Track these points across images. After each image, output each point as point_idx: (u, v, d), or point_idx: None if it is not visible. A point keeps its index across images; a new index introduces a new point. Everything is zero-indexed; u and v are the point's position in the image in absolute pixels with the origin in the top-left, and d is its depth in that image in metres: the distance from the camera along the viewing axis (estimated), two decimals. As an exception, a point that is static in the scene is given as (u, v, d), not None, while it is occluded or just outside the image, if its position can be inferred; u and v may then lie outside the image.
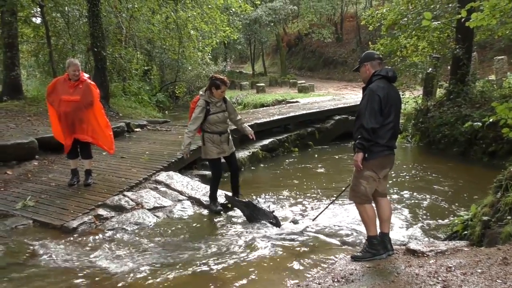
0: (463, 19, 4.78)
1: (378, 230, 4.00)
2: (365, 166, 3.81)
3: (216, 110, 5.54)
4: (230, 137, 5.81)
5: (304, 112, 12.32)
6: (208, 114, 5.52)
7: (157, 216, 5.74)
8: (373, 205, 4.01)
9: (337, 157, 10.24)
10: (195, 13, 16.07)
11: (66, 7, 15.81)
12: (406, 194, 6.96)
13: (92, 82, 6.39)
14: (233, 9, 18.81)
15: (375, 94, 3.75)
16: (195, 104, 5.66)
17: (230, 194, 6.14)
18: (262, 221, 5.47)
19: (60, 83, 6.28)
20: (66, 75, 6.24)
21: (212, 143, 5.67)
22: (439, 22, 9.50)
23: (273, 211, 5.63)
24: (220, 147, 5.69)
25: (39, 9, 15.59)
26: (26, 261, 4.48)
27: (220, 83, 5.46)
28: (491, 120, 4.26)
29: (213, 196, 6.00)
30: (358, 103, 4.08)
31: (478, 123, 4.65)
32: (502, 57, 12.92)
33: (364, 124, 3.71)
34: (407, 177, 7.96)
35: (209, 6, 16.30)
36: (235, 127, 6.10)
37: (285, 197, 6.90)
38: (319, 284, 3.40)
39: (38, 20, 17.51)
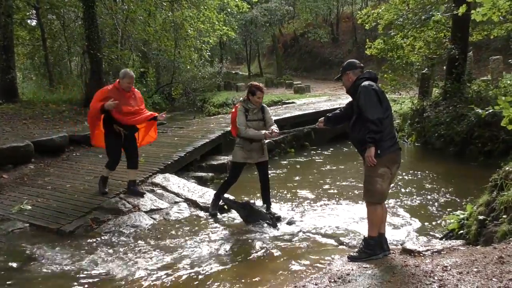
0: (460, 14, 4.85)
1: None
2: (379, 163, 3.78)
3: (253, 117, 5.59)
4: (264, 146, 5.77)
5: (300, 113, 12.34)
6: (245, 120, 5.55)
7: (154, 219, 5.73)
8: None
9: (332, 157, 10.25)
10: (191, 14, 16.06)
11: (62, 9, 15.77)
12: (402, 193, 6.97)
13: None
14: (229, 9, 18.81)
15: (370, 88, 3.80)
16: (235, 111, 5.68)
17: (230, 196, 6.13)
18: (259, 222, 5.47)
19: (113, 94, 5.76)
20: (117, 84, 5.85)
21: (241, 148, 5.63)
22: (441, 15, 9.51)
23: (274, 214, 5.64)
24: (249, 154, 5.65)
25: (34, 11, 15.57)
26: (23, 266, 4.47)
27: (255, 90, 5.58)
28: (491, 110, 4.25)
29: (217, 197, 5.95)
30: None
31: (478, 111, 4.62)
32: (498, 57, 12.96)
33: (369, 117, 3.70)
34: (403, 176, 7.98)
35: (205, 7, 16.29)
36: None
37: (281, 198, 6.90)
38: (316, 284, 3.40)
39: (33, 23, 17.50)
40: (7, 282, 4.12)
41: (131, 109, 5.83)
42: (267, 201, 5.80)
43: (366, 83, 3.87)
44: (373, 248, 3.91)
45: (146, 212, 5.86)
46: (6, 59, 11.56)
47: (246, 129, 5.48)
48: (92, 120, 6.01)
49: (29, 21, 17.34)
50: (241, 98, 5.87)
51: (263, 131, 5.49)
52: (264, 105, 5.80)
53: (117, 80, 5.92)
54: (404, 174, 8.13)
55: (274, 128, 5.58)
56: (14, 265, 4.47)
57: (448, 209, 6.06)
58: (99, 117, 5.88)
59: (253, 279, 4.04)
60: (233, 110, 5.83)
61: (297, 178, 8.30)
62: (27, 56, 18.50)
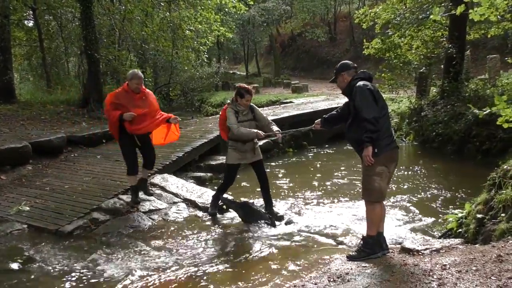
0: (457, 14, 4.87)
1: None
2: (376, 162, 3.79)
3: (243, 119, 5.52)
4: (256, 146, 5.72)
5: (299, 112, 12.35)
6: (237, 121, 5.50)
7: (153, 219, 5.73)
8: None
9: (331, 157, 10.26)
10: (188, 14, 16.04)
11: (59, 10, 15.73)
12: (400, 192, 6.97)
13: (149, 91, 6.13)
14: (227, 9, 18.81)
15: (364, 88, 3.82)
16: (224, 113, 5.61)
17: (228, 196, 6.12)
18: (258, 222, 5.47)
19: (122, 97, 5.69)
20: (126, 87, 5.74)
21: (235, 150, 5.60)
22: (440, 15, 9.51)
23: (276, 213, 5.64)
24: (243, 155, 5.62)
25: (31, 12, 15.54)
26: (22, 267, 4.46)
27: (244, 92, 5.47)
28: (488, 111, 4.26)
29: (216, 198, 5.94)
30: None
31: (476, 111, 4.61)
32: (495, 55, 12.98)
33: (365, 116, 3.71)
34: (401, 175, 7.99)
35: (202, 8, 16.28)
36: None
37: (279, 197, 6.89)
38: (315, 284, 3.40)
39: (30, 23, 17.47)
40: (6, 284, 4.12)
41: (141, 111, 5.70)
42: (269, 201, 5.77)
43: (361, 83, 3.89)
44: (372, 247, 3.91)
45: (144, 212, 5.85)
46: (4, 60, 11.56)
47: (239, 127, 5.40)
48: (113, 129, 5.88)
49: (26, 22, 17.32)
50: (228, 100, 5.80)
51: (255, 130, 5.43)
52: (252, 104, 5.70)
53: (126, 82, 5.84)
54: (402, 173, 8.15)
55: (275, 128, 5.53)
56: (13, 266, 4.46)
57: (446, 208, 6.07)
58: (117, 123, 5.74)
59: (252, 279, 4.04)
60: (221, 112, 5.74)
61: (295, 177, 8.30)
62: (25, 57, 18.48)
